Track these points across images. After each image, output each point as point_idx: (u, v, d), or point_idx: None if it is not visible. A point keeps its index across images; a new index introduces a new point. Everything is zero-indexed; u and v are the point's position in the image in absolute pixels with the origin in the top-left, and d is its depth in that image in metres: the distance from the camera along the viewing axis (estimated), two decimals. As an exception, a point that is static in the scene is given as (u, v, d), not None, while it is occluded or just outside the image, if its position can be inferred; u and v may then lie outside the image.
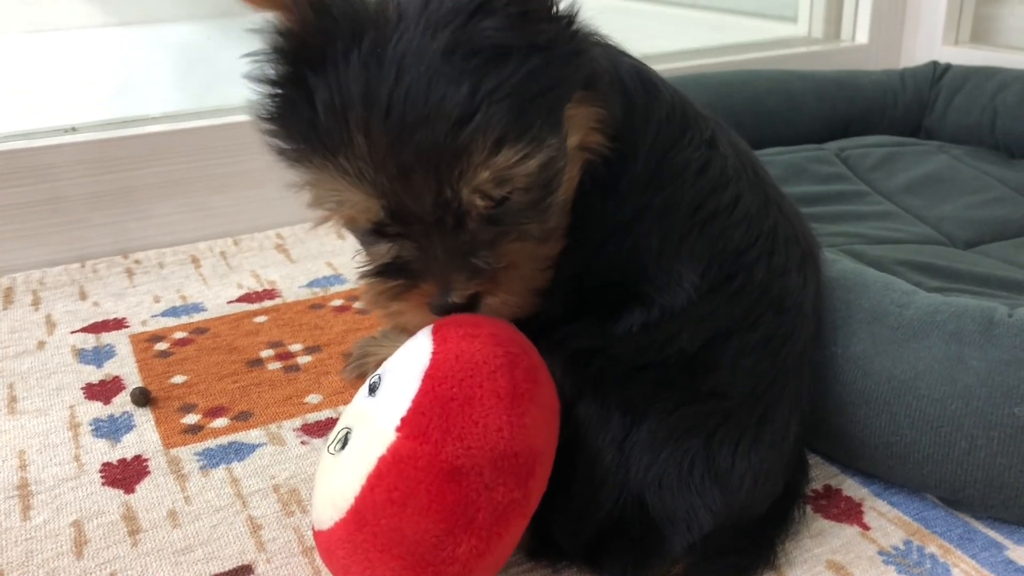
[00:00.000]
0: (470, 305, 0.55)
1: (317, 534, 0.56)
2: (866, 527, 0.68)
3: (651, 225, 0.59)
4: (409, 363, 0.55)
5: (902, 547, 0.65)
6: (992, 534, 0.67)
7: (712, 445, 0.58)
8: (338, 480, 0.54)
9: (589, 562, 0.61)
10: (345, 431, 0.56)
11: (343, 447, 0.55)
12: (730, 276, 0.60)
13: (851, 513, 0.69)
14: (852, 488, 0.72)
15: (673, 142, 0.61)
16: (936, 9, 1.61)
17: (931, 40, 1.62)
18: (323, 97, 0.50)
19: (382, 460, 0.52)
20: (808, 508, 0.69)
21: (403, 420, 0.52)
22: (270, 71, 0.53)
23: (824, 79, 1.41)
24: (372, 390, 0.56)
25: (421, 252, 0.54)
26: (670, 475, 0.57)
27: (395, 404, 0.53)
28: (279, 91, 0.53)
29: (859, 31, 1.66)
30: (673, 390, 0.58)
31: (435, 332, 0.56)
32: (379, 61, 0.49)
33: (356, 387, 0.84)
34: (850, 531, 0.67)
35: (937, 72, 1.44)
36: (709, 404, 0.59)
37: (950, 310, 0.66)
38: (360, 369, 0.86)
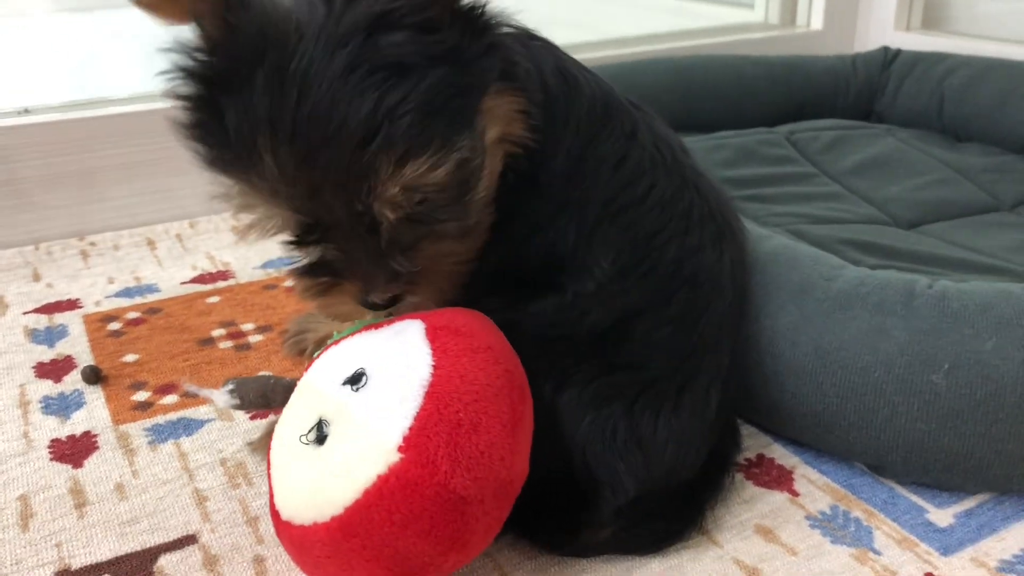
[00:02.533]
0: (392, 301, 0.57)
1: (285, 524, 0.55)
2: (795, 493, 0.70)
3: (568, 219, 0.61)
4: (404, 368, 0.54)
5: (828, 512, 0.68)
6: (914, 498, 0.69)
7: (634, 412, 0.60)
8: (321, 481, 0.52)
9: (523, 528, 0.63)
10: (319, 420, 0.54)
11: (317, 439, 0.54)
12: (640, 259, 0.62)
13: (782, 480, 0.71)
14: (784, 457, 0.74)
15: (592, 136, 0.62)
16: (889, -5, 1.64)
17: (883, 25, 1.65)
18: (232, 120, 0.51)
19: (383, 480, 0.50)
20: (740, 476, 0.71)
21: (407, 440, 0.51)
22: (183, 90, 0.53)
23: (777, 64, 1.43)
24: (354, 383, 0.55)
25: (343, 254, 0.55)
26: (594, 440, 0.59)
27: (392, 415, 0.52)
28: (193, 112, 0.53)
29: (814, 17, 1.68)
30: (588, 362, 0.60)
31: (432, 338, 0.56)
32: (280, 82, 0.49)
33: (305, 365, 0.85)
34: (780, 497, 0.69)
35: (888, 57, 1.47)
36: (626, 374, 0.61)
37: (874, 282, 0.68)
38: (299, 346, 0.87)
